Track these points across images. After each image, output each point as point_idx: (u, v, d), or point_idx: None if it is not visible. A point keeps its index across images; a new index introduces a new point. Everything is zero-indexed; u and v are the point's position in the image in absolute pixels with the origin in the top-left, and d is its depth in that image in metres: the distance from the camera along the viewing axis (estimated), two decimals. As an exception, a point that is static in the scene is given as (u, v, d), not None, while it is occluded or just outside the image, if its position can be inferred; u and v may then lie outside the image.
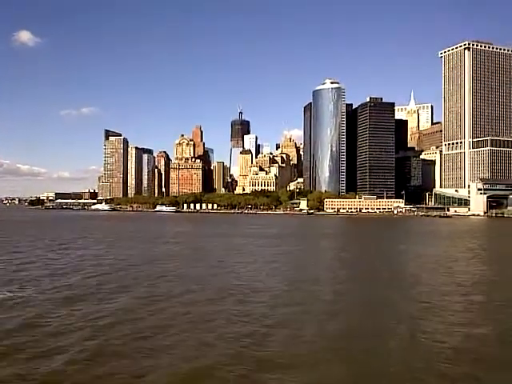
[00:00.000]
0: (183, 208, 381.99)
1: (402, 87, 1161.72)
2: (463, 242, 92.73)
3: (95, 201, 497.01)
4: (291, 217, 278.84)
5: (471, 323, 29.20)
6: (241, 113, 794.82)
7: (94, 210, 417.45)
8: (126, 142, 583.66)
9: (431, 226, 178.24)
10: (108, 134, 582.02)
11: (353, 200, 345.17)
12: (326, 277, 47.76)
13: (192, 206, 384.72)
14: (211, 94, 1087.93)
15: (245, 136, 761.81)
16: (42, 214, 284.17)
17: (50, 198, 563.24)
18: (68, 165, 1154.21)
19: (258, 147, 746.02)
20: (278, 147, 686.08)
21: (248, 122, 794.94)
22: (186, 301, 34.54)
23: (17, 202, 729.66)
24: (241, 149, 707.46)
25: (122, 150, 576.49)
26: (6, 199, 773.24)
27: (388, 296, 37.15)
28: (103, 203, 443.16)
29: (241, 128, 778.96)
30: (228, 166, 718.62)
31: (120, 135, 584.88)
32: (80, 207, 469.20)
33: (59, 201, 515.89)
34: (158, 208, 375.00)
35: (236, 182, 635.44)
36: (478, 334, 26.89)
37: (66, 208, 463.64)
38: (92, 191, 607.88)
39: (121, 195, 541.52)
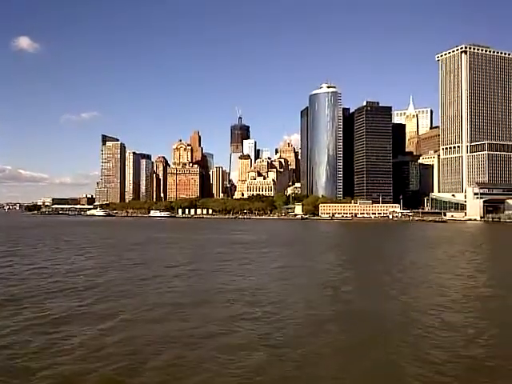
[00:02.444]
0: (178, 213, 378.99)
1: (401, 92, 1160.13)
2: (438, 250, 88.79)
3: (91, 206, 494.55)
4: (283, 222, 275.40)
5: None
6: (240, 118, 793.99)
7: (89, 215, 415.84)
8: (123, 147, 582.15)
9: (422, 231, 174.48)
10: (105, 139, 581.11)
11: (348, 205, 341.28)
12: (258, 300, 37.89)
13: (187, 211, 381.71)
14: (213, 99, 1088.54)
15: (244, 141, 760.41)
16: (31, 220, 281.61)
17: (47, 203, 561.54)
18: (69, 170, 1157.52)
19: (257, 152, 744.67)
20: (277, 152, 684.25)
21: (248, 127, 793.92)
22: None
23: (18, 208, 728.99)
24: (240, 154, 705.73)
25: (118, 155, 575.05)
26: (8, 205, 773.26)
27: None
28: (98, 209, 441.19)
29: (240, 133, 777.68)
30: (227, 171, 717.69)
31: (117, 140, 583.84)
32: (76, 213, 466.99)
33: (55, 206, 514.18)
34: (152, 213, 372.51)
35: (235, 187, 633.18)
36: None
37: (62, 213, 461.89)
38: (90, 196, 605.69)
39: (118, 200, 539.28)
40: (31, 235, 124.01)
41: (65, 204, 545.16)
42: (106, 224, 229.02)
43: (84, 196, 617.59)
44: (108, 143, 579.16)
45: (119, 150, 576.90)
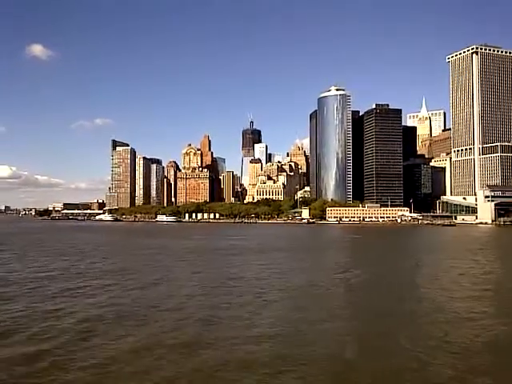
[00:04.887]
0: (185, 218, 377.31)
1: (414, 94, 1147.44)
2: (413, 259, 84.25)
3: (101, 211, 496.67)
4: (289, 226, 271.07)
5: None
6: (252, 122, 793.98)
7: (98, 220, 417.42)
8: (133, 152, 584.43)
9: (426, 236, 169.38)
10: (115, 144, 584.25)
11: (356, 209, 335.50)
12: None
13: (194, 215, 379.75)
14: (225, 104, 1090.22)
15: (255, 145, 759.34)
16: (37, 225, 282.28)
17: (57, 208, 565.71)
18: (84, 175, 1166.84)
19: (269, 156, 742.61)
20: (288, 156, 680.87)
21: (259, 132, 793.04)
22: None
23: (33, 213, 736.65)
24: (252, 158, 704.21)
25: (129, 160, 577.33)
26: (24, 210, 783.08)
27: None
28: (106, 213, 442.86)
29: (252, 137, 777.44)
30: (239, 175, 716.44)
31: (127, 145, 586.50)
32: (85, 217, 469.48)
33: (65, 211, 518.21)
34: (159, 218, 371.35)
35: (246, 191, 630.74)
36: None
37: (72, 218, 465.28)
38: (101, 201, 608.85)
39: (128, 205, 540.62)
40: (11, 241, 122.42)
41: (75, 209, 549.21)
42: (106, 230, 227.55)
43: (95, 201, 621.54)
44: (118, 148, 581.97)
45: (129, 155, 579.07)
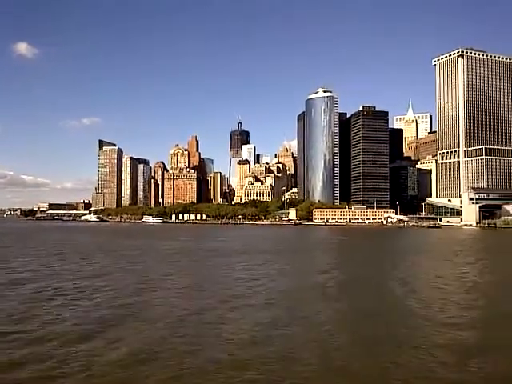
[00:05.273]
0: (171, 218, 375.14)
1: (402, 97, 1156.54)
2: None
3: (87, 212, 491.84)
4: (276, 227, 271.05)
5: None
6: (240, 123, 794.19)
7: (83, 220, 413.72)
8: (120, 152, 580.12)
9: (409, 238, 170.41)
10: (102, 144, 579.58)
11: (342, 210, 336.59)
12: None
13: (180, 216, 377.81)
14: (214, 105, 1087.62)
15: (243, 146, 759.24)
16: (21, 226, 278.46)
17: (43, 208, 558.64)
18: (72, 175, 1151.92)
19: (257, 157, 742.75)
20: (276, 157, 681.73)
21: (247, 133, 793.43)
22: None
23: (18, 213, 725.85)
24: (240, 159, 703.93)
25: (115, 161, 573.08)
26: (10, 210, 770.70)
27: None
28: (92, 214, 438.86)
29: (240, 138, 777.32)
30: (227, 176, 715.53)
31: (114, 145, 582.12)
32: (71, 218, 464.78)
33: (50, 211, 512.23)
34: (145, 219, 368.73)
35: (234, 192, 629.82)
36: None
37: (57, 219, 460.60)
38: (87, 202, 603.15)
39: (115, 206, 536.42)
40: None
41: (61, 209, 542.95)
42: (89, 230, 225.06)
43: (81, 201, 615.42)
44: (105, 148, 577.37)
45: (116, 155, 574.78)
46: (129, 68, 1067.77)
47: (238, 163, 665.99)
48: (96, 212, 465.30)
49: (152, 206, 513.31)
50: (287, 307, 36.40)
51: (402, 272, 59.81)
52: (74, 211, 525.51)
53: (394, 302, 39.32)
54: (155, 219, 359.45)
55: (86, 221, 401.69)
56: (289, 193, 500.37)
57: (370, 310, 35.55)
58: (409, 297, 41.50)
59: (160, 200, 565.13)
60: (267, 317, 32.76)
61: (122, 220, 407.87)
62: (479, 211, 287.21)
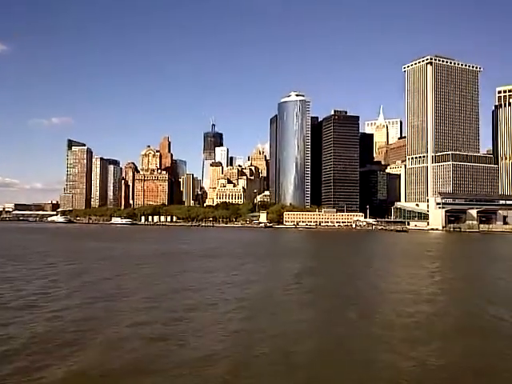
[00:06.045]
0: (141, 220, 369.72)
1: (373, 102, 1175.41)
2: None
3: (54, 213, 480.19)
4: (246, 230, 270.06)
5: None
6: (213, 125, 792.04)
7: (50, 222, 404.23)
8: (89, 152, 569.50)
9: (375, 241, 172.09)
10: (71, 144, 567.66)
11: (313, 213, 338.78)
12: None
13: (150, 218, 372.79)
14: (187, 106, 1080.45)
15: (216, 148, 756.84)
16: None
17: (8, 209, 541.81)
18: (41, 175, 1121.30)
19: (230, 160, 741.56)
20: (249, 160, 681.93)
21: (221, 135, 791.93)
22: None
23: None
24: (213, 161, 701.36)
25: (85, 161, 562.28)
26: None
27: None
28: (59, 215, 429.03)
29: (213, 140, 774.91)
30: (199, 178, 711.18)
31: (84, 145, 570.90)
32: (37, 219, 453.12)
33: (16, 212, 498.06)
34: (114, 220, 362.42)
35: (207, 194, 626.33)
36: None
37: (23, 220, 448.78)
38: (55, 202, 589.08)
39: (83, 207, 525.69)
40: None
41: (28, 210, 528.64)
42: (51, 232, 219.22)
43: (49, 202, 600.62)
44: (74, 148, 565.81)
45: (86, 156, 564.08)
46: (100, 67, 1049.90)
47: (210, 165, 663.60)
48: (64, 213, 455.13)
49: (122, 207, 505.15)
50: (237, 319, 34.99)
51: (355, 277, 59.61)
52: (41, 212, 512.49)
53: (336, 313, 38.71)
54: (124, 221, 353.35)
55: (53, 222, 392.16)
56: (261, 196, 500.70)
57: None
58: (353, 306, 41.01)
59: (131, 201, 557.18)
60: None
61: (90, 221, 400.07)
62: (445, 215, 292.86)
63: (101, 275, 54.30)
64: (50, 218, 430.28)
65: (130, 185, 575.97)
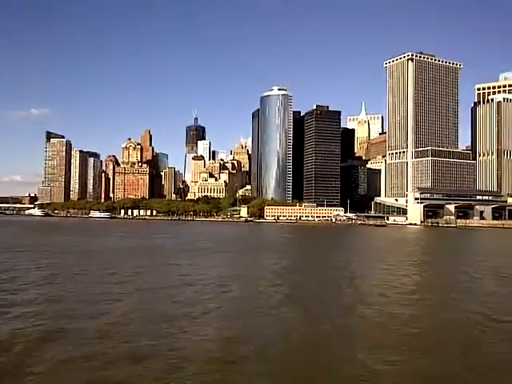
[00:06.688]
0: (120, 214, 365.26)
1: (355, 97, 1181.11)
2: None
3: (32, 206, 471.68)
4: (226, 224, 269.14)
5: None
6: (196, 118, 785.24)
7: (28, 215, 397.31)
8: (69, 144, 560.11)
9: (352, 236, 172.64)
10: (49, 135, 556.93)
11: (293, 208, 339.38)
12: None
13: (130, 211, 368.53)
14: (169, 98, 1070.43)
15: (199, 142, 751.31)
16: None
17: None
18: (20, 168, 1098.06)
19: (212, 153, 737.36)
20: (232, 154, 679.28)
21: (203, 128, 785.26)
22: None
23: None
24: (195, 155, 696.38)
25: (64, 153, 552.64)
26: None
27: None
28: (36, 208, 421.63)
29: (196, 134, 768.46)
30: (182, 172, 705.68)
31: (63, 137, 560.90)
32: (14, 212, 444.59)
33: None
34: (92, 214, 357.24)
35: (188, 188, 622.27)
36: None
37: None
38: (33, 195, 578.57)
39: (62, 200, 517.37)
40: None
41: (5, 203, 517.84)
42: (20, 224, 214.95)
43: (27, 195, 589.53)
44: (52, 140, 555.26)
45: (65, 148, 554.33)
46: (80, 58, 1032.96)
47: (193, 159, 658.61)
48: (41, 206, 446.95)
49: (102, 200, 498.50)
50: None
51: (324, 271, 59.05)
52: (19, 205, 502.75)
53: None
54: (102, 214, 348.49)
55: (30, 215, 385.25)
56: (243, 190, 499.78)
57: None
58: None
59: (111, 195, 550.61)
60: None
61: (69, 215, 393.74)
62: (423, 210, 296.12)
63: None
64: (27, 211, 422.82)
65: (111, 178, 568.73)
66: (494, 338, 26.88)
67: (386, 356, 23.14)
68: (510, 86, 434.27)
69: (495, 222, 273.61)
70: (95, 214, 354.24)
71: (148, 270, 54.60)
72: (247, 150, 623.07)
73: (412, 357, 23.46)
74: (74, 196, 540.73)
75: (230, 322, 29.76)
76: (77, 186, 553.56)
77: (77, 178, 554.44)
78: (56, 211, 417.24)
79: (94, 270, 53.35)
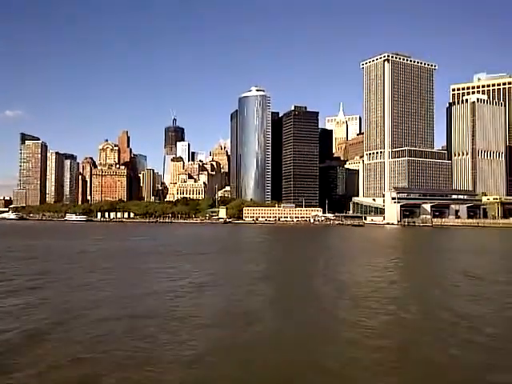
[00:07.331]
0: (97, 217, 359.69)
1: (333, 98, 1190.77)
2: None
3: (6, 209, 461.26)
4: (204, 226, 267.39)
5: None
6: (175, 119, 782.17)
7: (1, 218, 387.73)
8: (44, 146, 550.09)
9: (329, 236, 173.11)
10: (24, 137, 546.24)
11: (272, 208, 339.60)
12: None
13: (107, 214, 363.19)
14: (148, 99, 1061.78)
15: (178, 143, 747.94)
16: None
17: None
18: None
19: (192, 155, 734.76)
20: (211, 155, 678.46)
21: (182, 129, 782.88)
22: None
23: None
24: (174, 156, 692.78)
25: (39, 155, 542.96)
26: None
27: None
28: (10, 211, 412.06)
29: (174, 135, 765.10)
30: (160, 173, 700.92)
31: (38, 139, 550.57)
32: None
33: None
34: (68, 217, 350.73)
35: (167, 189, 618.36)
36: None
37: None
38: (8, 198, 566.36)
39: (38, 203, 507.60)
40: None
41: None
42: None
43: (1, 198, 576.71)
44: (28, 142, 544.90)
45: (40, 150, 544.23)
46: (55, 59, 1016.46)
47: (171, 160, 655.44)
48: (16, 209, 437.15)
49: (79, 203, 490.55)
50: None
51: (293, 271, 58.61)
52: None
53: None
54: (79, 217, 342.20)
55: (3, 219, 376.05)
56: (222, 191, 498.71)
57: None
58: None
59: (88, 197, 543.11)
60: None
61: (44, 218, 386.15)
62: (400, 210, 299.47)
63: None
64: (0, 215, 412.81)
65: (88, 180, 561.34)
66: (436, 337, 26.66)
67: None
68: (483, 86, 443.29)
69: (470, 220, 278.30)
70: (71, 217, 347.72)
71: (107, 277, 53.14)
72: (226, 151, 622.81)
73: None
74: (50, 199, 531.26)
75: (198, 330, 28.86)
76: (53, 188, 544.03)
77: (53, 180, 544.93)
78: (31, 214, 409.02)
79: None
